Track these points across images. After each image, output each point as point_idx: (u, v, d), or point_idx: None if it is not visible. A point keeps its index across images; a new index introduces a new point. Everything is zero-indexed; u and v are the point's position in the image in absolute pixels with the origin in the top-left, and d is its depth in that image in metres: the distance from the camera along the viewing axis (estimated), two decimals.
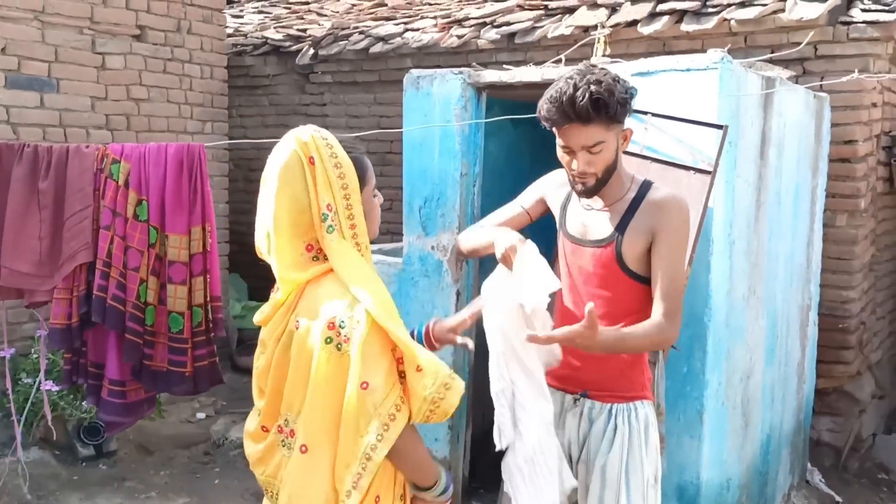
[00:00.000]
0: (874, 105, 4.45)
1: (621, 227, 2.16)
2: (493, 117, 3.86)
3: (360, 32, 5.79)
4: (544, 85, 3.66)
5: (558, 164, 2.25)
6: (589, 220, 2.22)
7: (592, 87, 1.97)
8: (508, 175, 4.25)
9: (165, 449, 4.50)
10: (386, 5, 6.55)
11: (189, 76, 5.31)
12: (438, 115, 3.73)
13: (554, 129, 2.12)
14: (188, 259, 2.79)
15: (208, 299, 2.84)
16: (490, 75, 3.61)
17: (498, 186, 3.92)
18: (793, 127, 3.59)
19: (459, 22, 5.36)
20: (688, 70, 3.00)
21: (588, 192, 2.15)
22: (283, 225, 1.63)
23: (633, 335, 2.08)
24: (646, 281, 2.16)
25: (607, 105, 1.98)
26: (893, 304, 5.26)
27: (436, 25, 5.45)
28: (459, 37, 5.19)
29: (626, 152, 3.13)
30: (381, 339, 1.57)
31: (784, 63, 4.23)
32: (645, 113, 3.06)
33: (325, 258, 1.65)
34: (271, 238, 1.65)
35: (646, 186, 2.24)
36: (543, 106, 2.08)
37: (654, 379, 2.81)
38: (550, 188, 2.37)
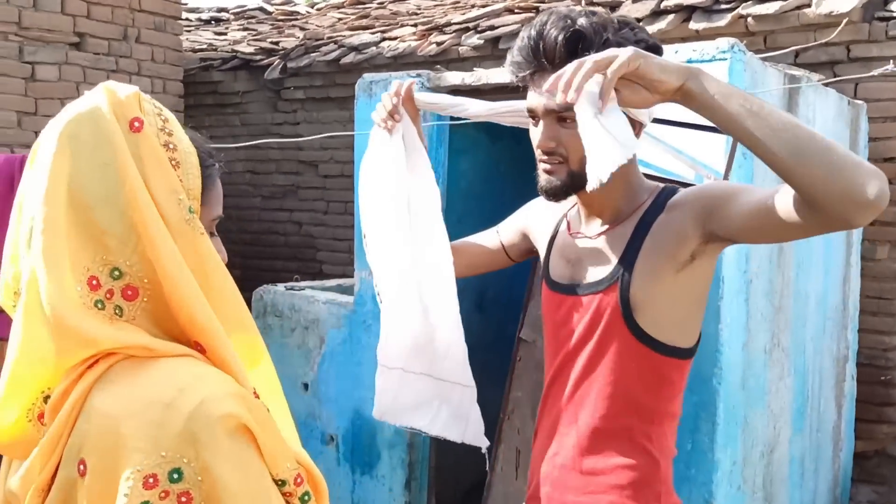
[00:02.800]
0: None
1: (627, 260, 1.39)
2: (465, 129, 3.24)
3: (333, 43, 5.22)
4: (515, 88, 3.06)
5: None
6: (581, 254, 1.47)
7: (577, 19, 1.29)
8: (486, 198, 3.64)
9: None
10: (369, 16, 5.99)
11: None
12: None
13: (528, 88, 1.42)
14: None
15: None
16: (453, 77, 3.00)
17: (475, 211, 3.30)
18: None
19: (440, 28, 4.77)
20: (689, 62, 2.36)
21: (555, 192, 1.38)
22: (57, 235, 0.89)
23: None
24: (666, 350, 1.41)
25: (588, 45, 1.26)
26: None
27: (415, 33, 4.86)
28: (439, 44, 4.60)
29: None
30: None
31: (811, 67, 3.59)
32: None
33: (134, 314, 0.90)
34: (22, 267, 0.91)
35: (668, 193, 1.45)
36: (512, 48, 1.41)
37: None
38: (534, 217, 1.68)
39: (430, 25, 4.86)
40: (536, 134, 1.36)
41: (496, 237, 1.75)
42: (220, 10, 8.58)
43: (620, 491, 1.41)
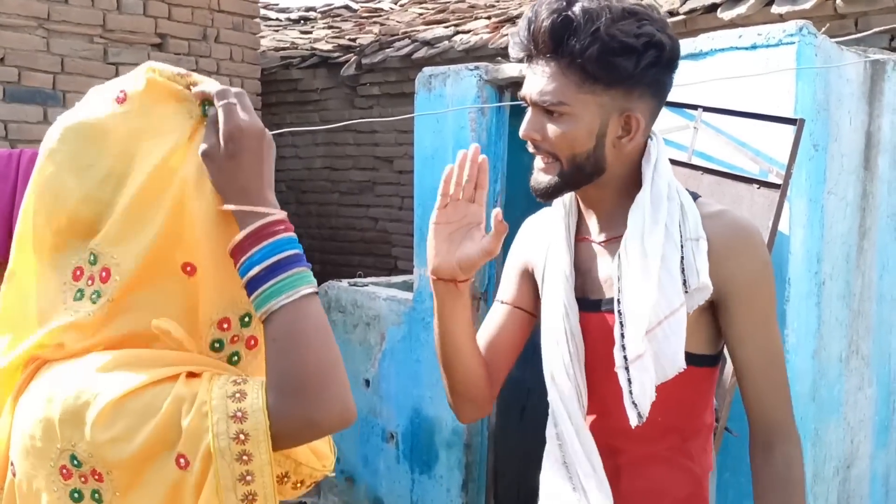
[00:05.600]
0: None
1: None
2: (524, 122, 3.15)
3: (407, 38, 5.21)
4: None
5: None
6: (592, 264, 1.30)
7: (574, 4, 1.15)
8: None
9: None
10: (446, 10, 5.95)
11: None
12: (452, 120, 3.07)
13: None
14: None
15: None
16: (511, 69, 2.92)
17: (538, 209, 3.21)
18: None
19: (512, 20, 4.68)
20: (754, 47, 2.20)
21: (543, 193, 1.26)
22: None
23: None
24: (694, 360, 1.27)
25: (575, 35, 1.13)
26: None
27: (487, 26, 4.78)
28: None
29: (670, 161, 2.37)
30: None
31: None
32: (694, 107, 2.28)
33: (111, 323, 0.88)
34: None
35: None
36: None
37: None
38: (525, 245, 1.41)
39: (503, 17, 4.77)
40: (524, 121, 1.25)
41: (499, 304, 1.42)
42: (308, 9, 8.74)
43: None
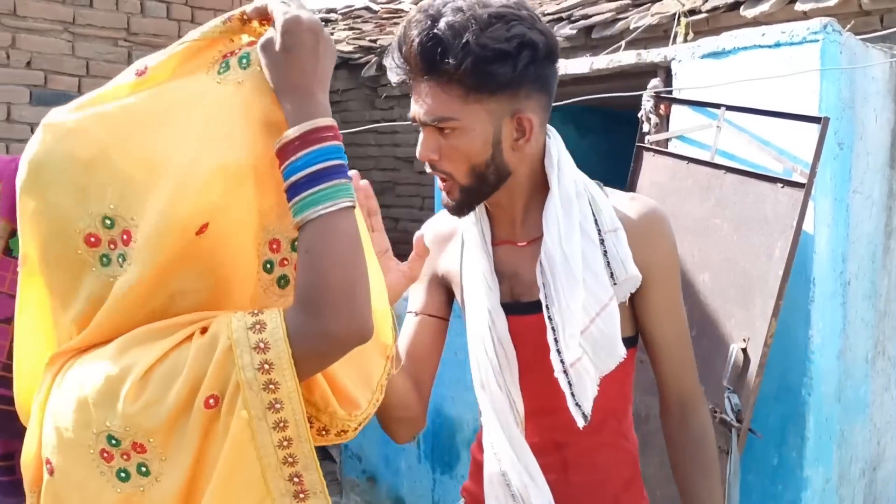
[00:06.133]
0: None
1: None
2: (552, 125, 3.14)
3: None
4: (596, 78, 2.93)
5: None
6: (516, 267, 1.29)
7: (439, 20, 1.11)
8: None
9: None
10: None
11: None
12: None
13: None
14: None
15: None
16: None
17: None
18: None
19: None
20: (777, 45, 2.18)
21: (455, 210, 1.25)
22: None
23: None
24: (627, 342, 1.28)
25: (445, 53, 1.10)
26: None
27: None
28: None
29: (692, 160, 2.36)
30: None
31: None
32: (717, 106, 2.27)
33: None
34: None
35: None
36: None
37: (726, 478, 2.00)
38: (431, 252, 1.33)
39: None
40: (418, 144, 1.24)
41: (412, 316, 1.38)
42: (329, 10, 8.78)
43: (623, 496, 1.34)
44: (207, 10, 4.72)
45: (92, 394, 0.84)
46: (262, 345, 0.81)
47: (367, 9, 8.31)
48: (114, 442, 0.83)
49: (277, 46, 0.86)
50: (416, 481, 3.38)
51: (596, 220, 1.22)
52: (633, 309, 1.29)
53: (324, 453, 4.45)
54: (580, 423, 1.20)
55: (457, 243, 1.35)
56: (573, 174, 1.25)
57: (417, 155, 1.22)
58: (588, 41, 4.30)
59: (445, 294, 1.38)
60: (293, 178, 0.85)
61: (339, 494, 3.80)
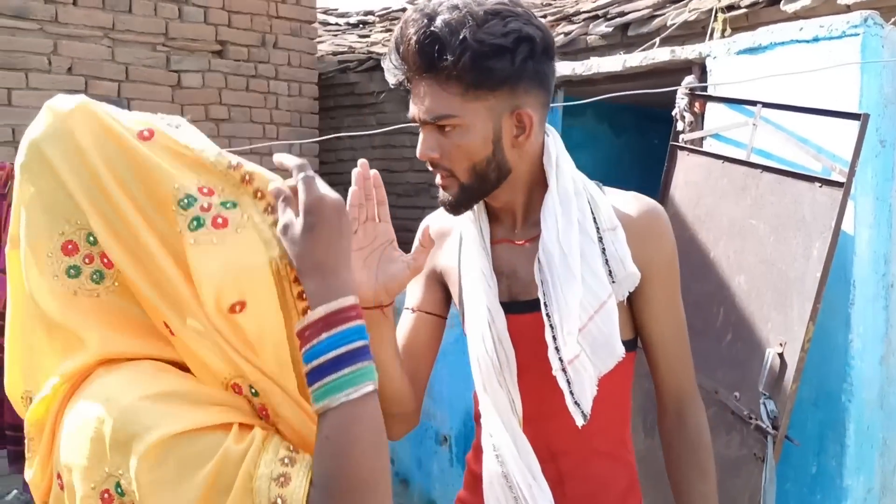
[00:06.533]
0: None
1: None
2: (586, 123, 3.10)
3: None
4: (629, 76, 2.88)
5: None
6: (515, 266, 1.28)
7: (435, 18, 1.12)
8: None
9: None
10: None
11: (275, 93, 4.95)
12: None
13: None
14: None
15: None
16: (563, 68, 2.87)
17: None
18: None
19: (569, 18, 4.61)
20: (815, 40, 2.12)
21: (452, 207, 1.24)
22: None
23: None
24: (627, 346, 1.26)
25: (443, 50, 1.11)
26: None
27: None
28: (566, 34, 4.44)
29: (728, 159, 2.30)
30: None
31: None
32: (753, 103, 2.21)
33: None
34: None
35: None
36: None
37: (761, 486, 1.94)
38: (435, 253, 1.36)
39: (558, 16, 4.72)
40: (418, 143, 1.23)
41: (409, 312, 1.37)
42: (367, 13, 8.82)
43: None
44: (244, 15, 4.77)
45: (111, 435, 0.80)
46: (280, 501, 0.78)
47: (405, 10, 8.32)
48: (119, 490, 0.79)
49: (300, 226, 0.85)
50: (448, 484, 3.36)
51: (595, 218, 1.21)
52: (633, 310, 1.27)
53: None
54: (579, 422, 1.17)
55: (454, 240, 1.34)
56: (572, 172, 1.24)
57: (417, 154, 1.21)
58: (624, 38, 4.24)
59: (442, 291, 1.37)
60: (315, 363, 0.83)
61: None
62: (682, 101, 2.47)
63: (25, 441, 0.92)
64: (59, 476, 0.85)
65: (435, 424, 3.40)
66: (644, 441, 2.38)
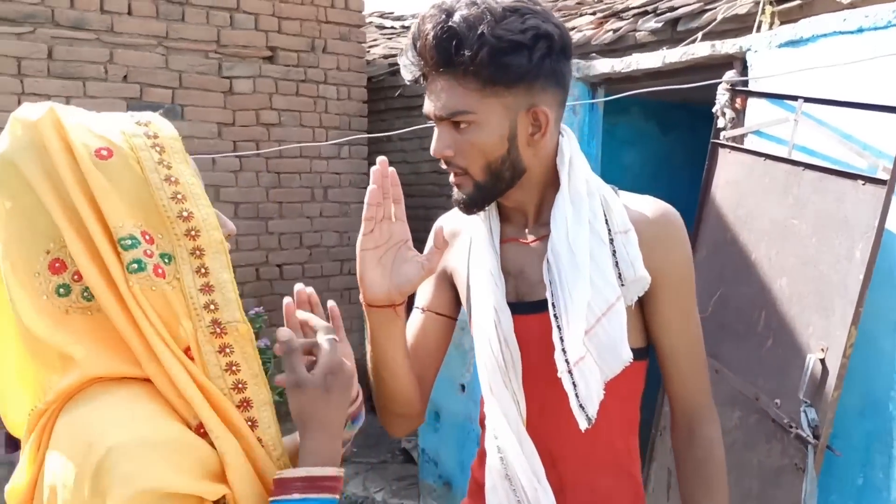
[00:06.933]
0: None
1: None
2: (632, 121, 3.04)
3: None
4: (669, 73, 2.80)
5: None
6: (523, 265, 1.25)
7: (454, 13, 1.11)
8: (659, 194, 3.39)
9: None
10: (554, 7, 5.85)
11: (324, 98, 5.00)
12: None
13: None
14: None
15: None
16: (603, 65, 2.83)
17: None
18: None
19: (618, 14, 4.53)
20: (859, 31, 2.02)
21: (466, 205, 1.22)
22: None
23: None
24: (636, 354, 1.21)
25: (461, 45, 1.10)
26: None
27: (592, 21, 4.66)
28: (615, 31, 4.36)
29: (769, 156, 2.21)
30: None
31: None
32: (794, 98, 2.12)
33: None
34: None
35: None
36: None
37: (801, 498, 1.86)
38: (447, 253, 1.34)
39: (608, 13, 4.64)
40: (433, 140, 1.20)
41: (418, 312, 1.35)
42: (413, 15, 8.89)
43: None
44: (294, 20, 4.84)
45: (92, 474, 0.79)
46: None
47: None
48: None
49: (319, 385, 0.90)
50: None
51: (607, 220, 1.18)
52: (644, 317, 1.23)
53: (406, 456, 4.47)
54: (583, 425, 1.14)
55: (465, 241, 1.32)
56: (586, 174, 1.21)
57: (432, 151, 1.19)
58: (674, 34, 4.13)
59: (452, 291, 1.36)
60: None
61: (416, 499, 3.80)
62: (722, 96, 2.39)
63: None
64: (52, 490, 0.84)
65: (477, 427, 3.37)
66: None
